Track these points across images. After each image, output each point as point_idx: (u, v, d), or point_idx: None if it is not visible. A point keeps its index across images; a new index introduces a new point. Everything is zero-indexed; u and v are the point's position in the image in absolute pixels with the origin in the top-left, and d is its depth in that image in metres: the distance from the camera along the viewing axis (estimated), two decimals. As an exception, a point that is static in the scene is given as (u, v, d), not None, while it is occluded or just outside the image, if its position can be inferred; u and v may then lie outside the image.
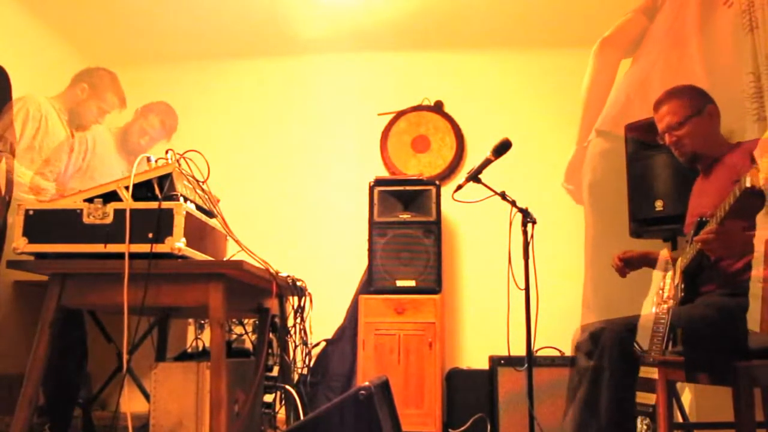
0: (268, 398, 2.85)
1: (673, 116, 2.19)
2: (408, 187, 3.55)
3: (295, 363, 2.51)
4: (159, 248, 1.80)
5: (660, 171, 2.69)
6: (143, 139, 3.14)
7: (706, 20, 2.77)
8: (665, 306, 2.00)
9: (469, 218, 3.89)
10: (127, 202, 1.85)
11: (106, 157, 2.99)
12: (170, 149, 1.97)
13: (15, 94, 2.97)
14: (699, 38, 2.77)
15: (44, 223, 1.85)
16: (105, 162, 2.97)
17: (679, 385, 2.68)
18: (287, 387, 2.41)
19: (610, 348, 1.93)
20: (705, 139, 2.18)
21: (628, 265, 2.29)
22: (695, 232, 2.00)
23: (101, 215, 1.84)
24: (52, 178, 2.73)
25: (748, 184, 1.65)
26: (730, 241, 1.84)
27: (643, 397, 1.85)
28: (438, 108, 4.08)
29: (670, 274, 2.21)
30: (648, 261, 2.29)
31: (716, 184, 2.15)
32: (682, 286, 1.99)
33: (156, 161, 1.97)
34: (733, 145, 2.20)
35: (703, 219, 2.00)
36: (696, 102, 2.19)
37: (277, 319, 2.53)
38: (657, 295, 2.31)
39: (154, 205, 1.84)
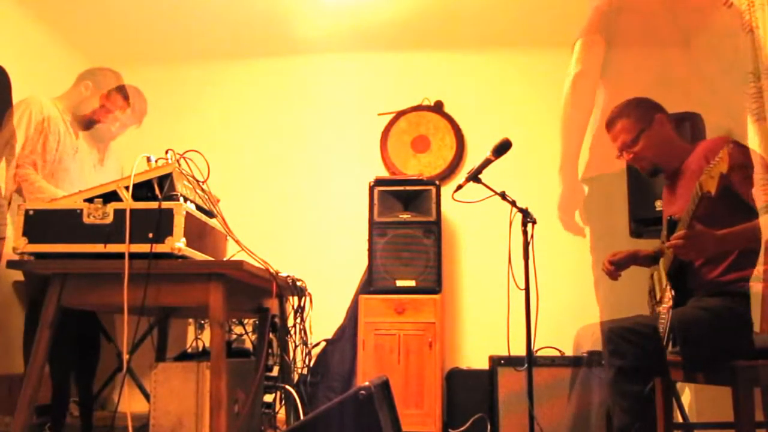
0: (268, 398, 2.85)
1: (625, 135, 2.22)
2: (408, 187, 3.55)
3: (295, 363, 2.51)
4: (159, 248, 1.80)
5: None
6: (113, 126, 3.00)
7: (701, 22, 2.75)
8: (665, 306, 2.01)
9: (469, 218, 3.88)
10: (127, 202, 1.85)
11: (73, 147, 2.89)
12: (170, 149, 1.97)
13: (15, 94, 2.96)
14: (681, 46, 2.74)
15: (44, 223, 1.85)
16: (72, 149, 2.87)
17: (679, 385, 2.69)
18: (287, 387, 2.41)
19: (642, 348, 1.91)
20: (661, 148, 2.20)
21: (619, 267, 2.30)
22: (667, 235, 2.01)
23: (101, 215, 1.84)
24: (29, 168, 2.64)
25: (703, 190, 1.66)
26: (701, 244, 1.86)
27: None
28: (438, 108, 4.08)
29: (656, 274, 2.22)
30: (636, 260, 2.31)
31: (680, 191, 2.16)
32: (672, 291, 1.99)
33: (156, 161, 1.97)
34: (692, 148, 2.20)
35: (673, 218, 2.01)
36: (643, 115, 2.21)
37: (277, 319, 2.53)
38: (649, 295, 2.31)
39: (154, 205, 1.84)
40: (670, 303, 1.97)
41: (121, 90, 2.89)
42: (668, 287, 2.01)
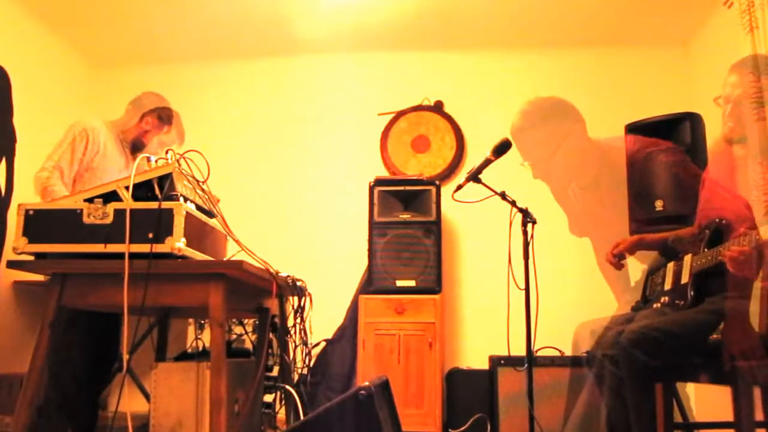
0: (268, 398, 2.85)
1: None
2: (408, 187, 3.55)
3: (295, 363, 2.51)
4: (159, 248, 1.80)
5: (660, 171, 2.69)
6: (156, 146, 3.11)
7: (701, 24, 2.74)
8: (679, 303, 2.00)
9: (469, 218, 3.88)
10: (127, 202, 1.85)
11: (122, 164, 2.95)
12: (170, 149, 1.97)
13: (15, 94, 2.96)
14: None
15: (44, 223, 1.85)
16: (119, 166, 2.93)
17: (679, 385, 2.68)
18: (287, 387, 2.41)
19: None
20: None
21: (622, 257, 2.30)
22: (712, 235, 1.98)
23: (101, 215, 1.84)
24: (50, 172, 2.67)
25: None
26: (759, 262, 1.83)
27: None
28: (438, 108, 4.08)
29: (671, 267, 2.19)
30: (642, 244, 2.31)
31: (739, 180, 2.10)
32: (692, 292, 1.98)
33: (156, 161, 1.97)
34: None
35: (723, 222, 1.98)
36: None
37: (277, 319, 2.53)
38: (648, 281, 2.29)
39: (154, 205, 1.83)
40: (682, 304, 1.98)
41: (157, 111, 2.94)
42: (690, 286, 2.00)
